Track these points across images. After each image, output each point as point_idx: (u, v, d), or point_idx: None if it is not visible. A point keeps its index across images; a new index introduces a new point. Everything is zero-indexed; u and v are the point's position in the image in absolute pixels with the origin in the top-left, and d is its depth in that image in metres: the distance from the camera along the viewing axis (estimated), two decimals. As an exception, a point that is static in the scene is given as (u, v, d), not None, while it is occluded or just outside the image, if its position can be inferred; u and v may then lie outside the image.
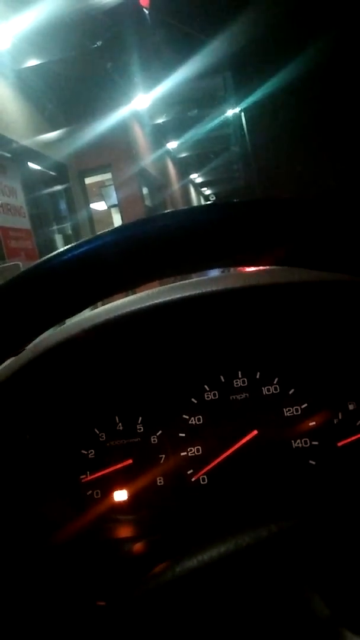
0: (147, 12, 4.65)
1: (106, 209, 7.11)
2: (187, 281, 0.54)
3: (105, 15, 4.27)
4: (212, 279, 0.53)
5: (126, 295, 0.54)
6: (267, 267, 0.55)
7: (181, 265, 0.29)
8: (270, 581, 0.27)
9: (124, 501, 0.62)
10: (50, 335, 0.51)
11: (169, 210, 0.28)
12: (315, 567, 0.27)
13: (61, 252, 0.28)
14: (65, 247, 0.28)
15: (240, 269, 0.56)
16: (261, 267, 0.57)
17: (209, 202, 0.34)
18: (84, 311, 0.44)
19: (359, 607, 0.26)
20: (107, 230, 0.28)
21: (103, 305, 0.54)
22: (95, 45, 4.45)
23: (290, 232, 0.27)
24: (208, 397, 0.62)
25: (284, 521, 0.27)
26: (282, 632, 0.26)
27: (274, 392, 0.61)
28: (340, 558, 0.27)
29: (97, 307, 0.54)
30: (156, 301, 0.52)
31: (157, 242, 0.27)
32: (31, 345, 0.51)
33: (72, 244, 0.28)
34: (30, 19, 3.79)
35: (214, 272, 0.62)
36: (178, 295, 0.52)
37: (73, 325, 0.52)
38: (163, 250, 0.28)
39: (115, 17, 4.35)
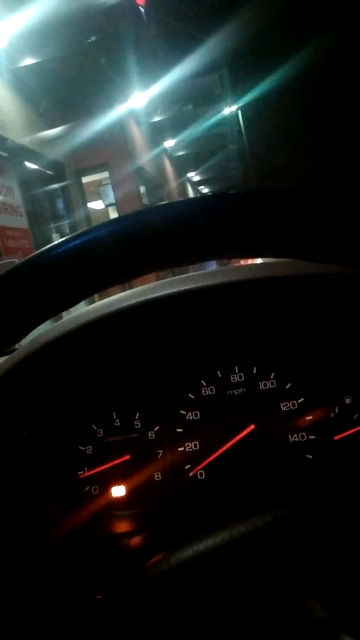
0: (143, 10, 4.65)
1: (104, 208, 7.10)
2: (183, 275, 0.54)
3: (101, 13, 4.26)
4: (208, 273, 0.53)
5: (122, 290, 0.54)
6: (264, 260, 0.55)
7: (178, 257, 0.29)
8: (266, 574, 0.27)
9: (122, 497, 0.62)
10: (47, 331, 0.51)
11: (165, 202, 0.28)
12: (312, 567, 0.27)
13: (56, 244, 0.28)
14: (60, 240, 0.28)
15: (237, 261, 0.56)
16: (258, 260, 0.57)
17: (206, 194, 0.34)
18: (81, 307, 0.44)
19: (357, 609, 0.26)
20: (101, 222, 0.28)
21: (99, 300, 0.54)
22: (90, 41, 4.43)
23: (287, 224, 0.27)
24: (205, 392, 0.62)
25: (280, 510, 0.27)
26: (279, 635, 0.26)
27: (271, 386, 0.61)
28: (338, 556, 0.27)
29: (93, 302, 0.54)
30: (152, 296, 0.52)
31: (153, 233, 0.27)
32: (28, 341, 0.51)
33: (67, 237, 0.28)
34: (26, 18, 3.78)
35: (211, 266, 0.62)
36: (174, 290, 0.52)
37: (69, 320, 0.52)
38: (159, 242, 0.28)
39: (111, 15, 4.34)
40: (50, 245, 0.28)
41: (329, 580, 0.27)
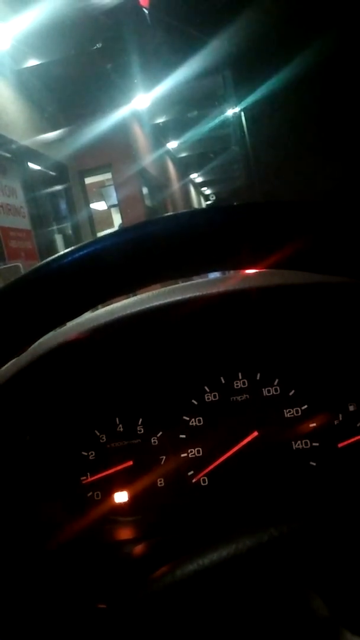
0: (146, 12, 4.65)
1: (106, 209, 7.11)
2: (187, 283, 0.54)
3: (104, 15, 4.27)
4: (212, 281, 0.53)
5: (127, 297, 0.54)
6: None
7: (183, 268, 0.29)
8: (271, 583, 0.27)
9: (124, 502, 0.62)
10: (51, 337, 0.51)
11: (171, 213, 0.28)
12: (315, 569, 0.27)
13: (63, 254, 0.28)
14: (67, 250, 0.28)
15: (242, 271, 0.56)
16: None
17: (211, 206, 0.34)
18: (85, 313, 0.44)
19: (359, 607, 0.26)
20: (108, 232, 0.28)
21: (103, 307, 0.54)
22: (95, 47, 4.45)
23: (293, 236, 0.27)
24: (208, 398, 0.62)
25: (285, 524, 0.27)
26: (282, 633, 0.26)
27: (275, 393, 0.61)
28: (341, 559, 0.27)
29: (97, 309, 0.54)
30: (156, 303, 0.51)
31: (160, 245, 0.27)
32: (32, 347, 0.51)
33: (74, 247, 0.28)
34: (30, 20, 3.79)
35: (215, 274, 0.62)
36: (178, 297, 0.52)
37: (74, 327, 0.52)
38: (165, 254, 0.27)
39: (114, 17, 4.35)
40: (58, 254, 0.28)
41: (331, 580, 0.27)
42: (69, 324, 0.53)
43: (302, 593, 0.27)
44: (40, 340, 0.51)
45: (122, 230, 0.27)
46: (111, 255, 0.27)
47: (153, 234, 0.27)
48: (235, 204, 0.28)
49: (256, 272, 0.54)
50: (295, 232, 0.27)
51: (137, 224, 0.27)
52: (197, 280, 0.55)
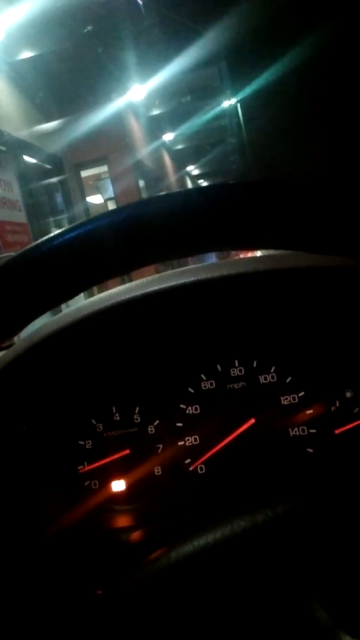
0: (141, 2, 4.61)
1: (103, 202, 7.08)
2: (183, 268, 0.54)
3: (99, 5, 4.23)
4: (208, 266, 0.53)
5: (122, 283, 0.54)
6: (265, 253, 0.55)
7: (177, 248, 0.28)
8: (266, 571, 0.27)
9: (121, 491, 0.62)
10: (46, 324, 0.51)
11: (165, 193, 0.28)
12: (312, 564, 0.26)
13: (53, 236, 0.27)
14: (58, 231, 0.27)
15: (237, 254, 0.56)
16: (258, 253, 0.56)
17: (205, 184, 0.34)
18: (79, 300, 0.43)
19: (358, 609, 0.26)
20: (100, 213, 0.28)
21: (98, 293, 0.53)
22: (87, 30, 4.40)
23: (289, 214, 0.27)
24: (205, 386, 0.61)
25: (280, 505, 0.26)
26: (279, 634, 0.26)
27: (271, 380, 0.61)
28: (338, 552, 0.27)
29: (92, 295, 0.54)
30: (152, 289, 0.51)
31: (152, 224, 0.27)
32: (27, 334, 0.50)
33: (65, 228, 0.28)
34: (23, 11, 3.75)
35: (211, 258, 0.62)
36: (174, 283, 0.51)
37: (68, 313, 0.51)
38: (158, 233, 0.27)
39: (109, 7, 4.32)
40: (47, 236, 0.28)
41: (329, 579, 0.27)
42: (64, 311, 0.52)
43: (302, 597, 0.26)
44: (36, 327, 0.50)
45: (115, 210, 0.27)
46: (103, 236, 0.27)
47: (147, 213, 0.27)
48: (231, 182, 0.27)
49: (251, 256, 0.54)
50: (293, 210, 0.27)
51: (131, 204, 0.27)
52: (192, 265, 0.55)
